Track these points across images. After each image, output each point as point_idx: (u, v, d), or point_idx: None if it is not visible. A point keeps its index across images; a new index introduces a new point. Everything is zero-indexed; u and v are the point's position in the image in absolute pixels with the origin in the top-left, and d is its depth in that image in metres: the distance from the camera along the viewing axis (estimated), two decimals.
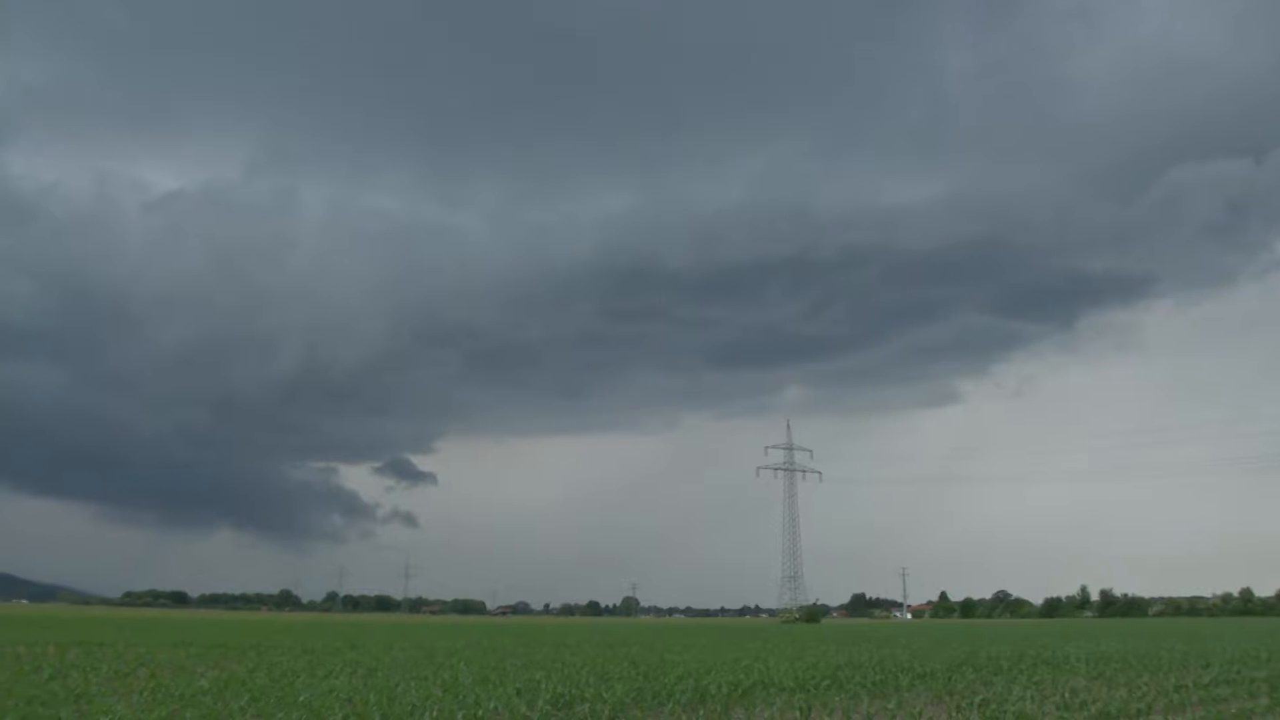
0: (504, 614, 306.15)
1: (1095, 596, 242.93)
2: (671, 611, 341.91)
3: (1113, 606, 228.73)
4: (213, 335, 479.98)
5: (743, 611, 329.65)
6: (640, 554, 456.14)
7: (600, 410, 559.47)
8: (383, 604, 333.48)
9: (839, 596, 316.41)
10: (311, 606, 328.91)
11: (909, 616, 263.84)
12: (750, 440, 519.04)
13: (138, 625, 68.08)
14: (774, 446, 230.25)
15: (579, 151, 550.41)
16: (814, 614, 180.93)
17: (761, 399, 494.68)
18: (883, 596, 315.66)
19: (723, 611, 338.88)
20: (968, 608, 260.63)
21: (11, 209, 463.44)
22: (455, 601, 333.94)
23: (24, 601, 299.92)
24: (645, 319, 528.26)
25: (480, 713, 16.35)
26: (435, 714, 15.95)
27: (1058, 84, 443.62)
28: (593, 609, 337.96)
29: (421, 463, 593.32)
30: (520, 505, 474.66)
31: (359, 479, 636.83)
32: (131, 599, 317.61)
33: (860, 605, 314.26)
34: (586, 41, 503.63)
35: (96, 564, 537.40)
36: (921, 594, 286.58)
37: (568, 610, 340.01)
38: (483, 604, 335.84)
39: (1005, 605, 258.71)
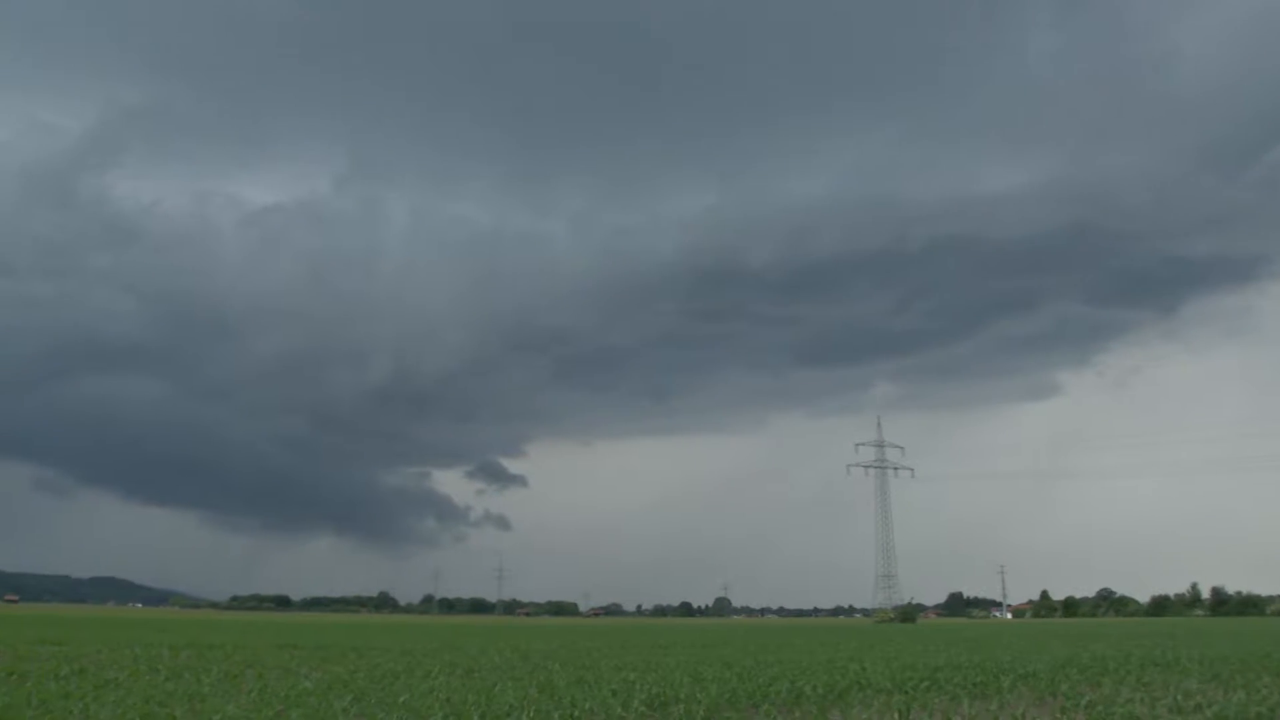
0: (596, 615, 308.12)
1: (1206, 594, 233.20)
2: (764, 612, 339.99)
3: (1226, 605, 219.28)
4: (307, 345, 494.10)
5: (836, 611, 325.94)
6: (732, 554, 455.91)
7: (687, 411, 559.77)
8: (477, 606, 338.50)
9: (935, 596, 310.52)
10: (409, 609, 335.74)
11: (1008, 616, 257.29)
12: (840, 438, 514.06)
13: (244, 628, 70.30)
14: (864, 444, 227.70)
15: (661, 151, 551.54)
16: (909, 613, 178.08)
17: (850, 396, 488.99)
18: (981, 595, 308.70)
19: (816, 611, 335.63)
20: (1070, 606, 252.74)
21: (116, 229, 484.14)
22: (548, 603, 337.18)
23: (139, 605, 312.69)
24: (730, 318, 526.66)
25: (576, 713, 16.46)
26: (532, 714, 16.11)
27: (1151, 59, 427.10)
28: (685, 610, 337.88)
29: (512, 466, 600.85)
30: (610, 507, 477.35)
31: (451, 483, 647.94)
32: (238, 603, 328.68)
33: (957, 604, 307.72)
34: (666, 39, 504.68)
35: (205, 569, 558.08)
36: (1021, 592, 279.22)
37: (660, 611, 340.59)
38: (575, 605, 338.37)
39: (1110, 604, 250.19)
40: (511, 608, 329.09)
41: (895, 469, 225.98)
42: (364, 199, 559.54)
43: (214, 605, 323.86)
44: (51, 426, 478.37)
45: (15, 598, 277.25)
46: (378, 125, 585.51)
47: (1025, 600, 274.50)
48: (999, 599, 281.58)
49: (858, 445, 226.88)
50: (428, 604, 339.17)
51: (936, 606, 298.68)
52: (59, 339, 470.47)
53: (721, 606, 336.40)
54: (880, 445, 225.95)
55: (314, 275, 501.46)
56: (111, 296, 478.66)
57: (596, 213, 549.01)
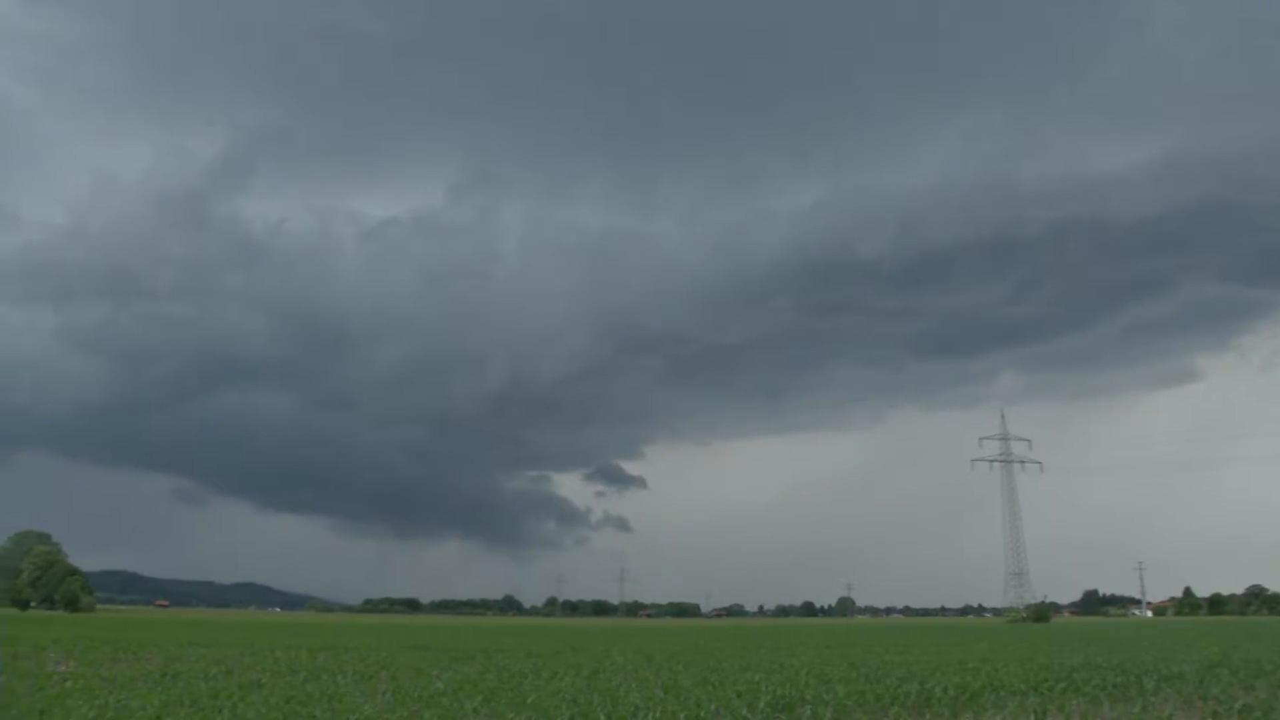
0: (719, 616, 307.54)
1: None
2: (889, 611, 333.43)
3: None
4: (426, 353, 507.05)
5: (965, 611, 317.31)
6: (854, 553, 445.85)
7: (803, 408, 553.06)
8: (600, 608, 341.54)
9: (1069, 594, 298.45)
10: (533, 611, 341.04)
11: (1149, 614, 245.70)
12: (962, 432, 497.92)
13: (376, 630, 72.55)
14: (988, 437, 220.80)
15: (767, 146, 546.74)
16: (1042, 612, 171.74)
17: (971, 388, 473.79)
18: (1118, 593, 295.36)
19: (943, 611, 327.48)
20: (1216, 604, 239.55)
21: (245, 249, 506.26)
22: (670, 604, 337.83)
23: (278, 610, 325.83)
24: (843, 312, 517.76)
25: (701, 714, 16.44)
26: (658, 715, 16.16)
27: None
28: (807, 610, 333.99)
29: (630, 468, 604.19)
30: (730, 507, 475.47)
31: (571, 486, 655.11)
32: (370, 606, 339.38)
33: (1093, 603, 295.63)
34: (766, 33, 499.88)
35: (338, 574, 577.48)
36: (1162, 589, 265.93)
37: (782, 611, 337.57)
38: (697, 606, 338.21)
39: (1262, 601, 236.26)
40: (634, 609, 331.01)
41: (1022, 463, 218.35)
42: (478, 207, 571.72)
43: (347, 609, 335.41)
44: (191, 440, 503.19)
45: (165, 603, 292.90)
46: (489, 134, 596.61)
47: (1166, 598, 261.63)
48: (1137, 597, 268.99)
49: (981, 439, 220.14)
50: (551, 606, 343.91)
51: (1071, 605, 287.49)
52: (196, 357, 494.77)
53: (845, 606, 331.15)
54: (1005, 439, 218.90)
55: (431, 285, 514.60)
56: (243, 314, 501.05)
57: (706, 211, 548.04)
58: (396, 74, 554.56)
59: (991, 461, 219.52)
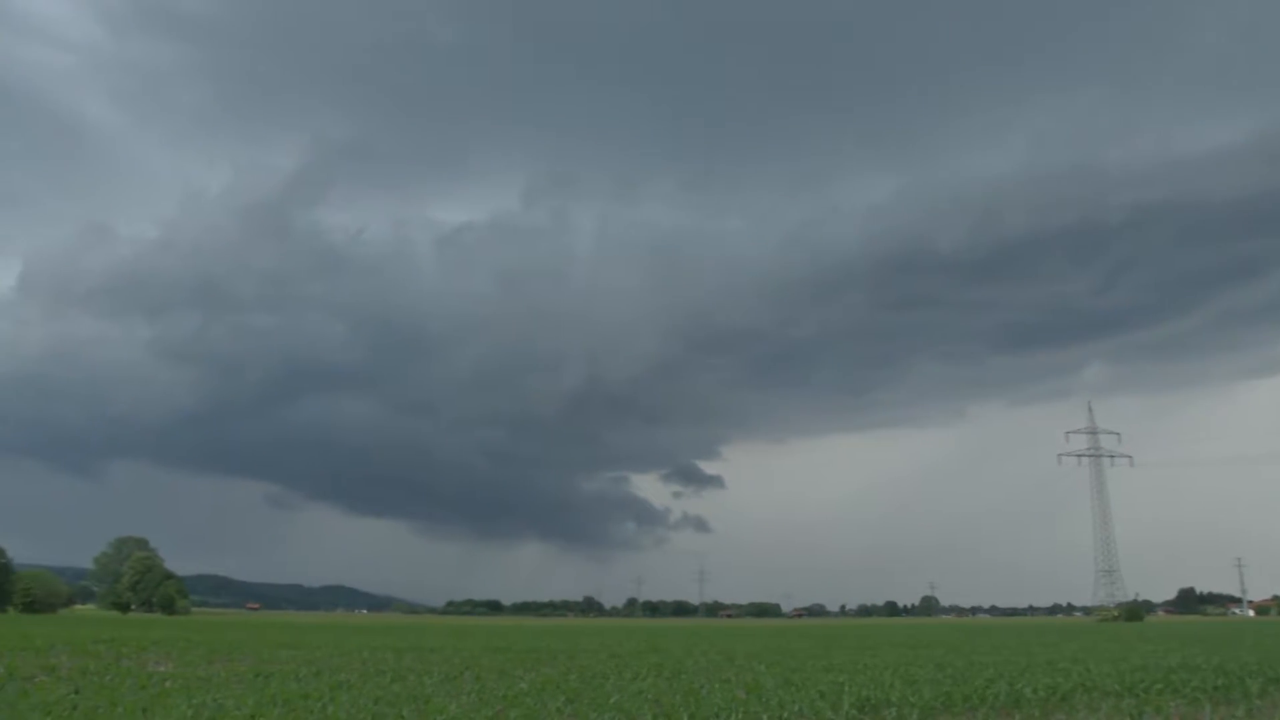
0: (799, 616, 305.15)
1: None
2: (974, 611, 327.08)
3: None
4: (503, 356, 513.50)
5: (1053, 610, 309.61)
6: (938, 551, 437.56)
7: (882, 405, 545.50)
8: (680, 609, 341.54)
9: (1163, 592, 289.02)
10: (614, 612, 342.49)
11: (1250, 613, 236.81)
12: (1048, 426, 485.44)
13: (460, 632, 73.57)
14: (1075, 431, 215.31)
15: (839, 139, 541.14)
16: (1135, 611, 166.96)
17: (1057, 381, 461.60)
18: (1216, 591, 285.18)
19: (1031, 610, 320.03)
20: None
21: (326, 258, 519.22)
22: (750, 605, 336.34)
23: (364, 611, 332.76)
24: (922, 306, 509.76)
25: (785, 715, 16.33)
26: (741, 716, 16.10)
27: None
28: (890, 609, 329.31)
29: (707, 467, 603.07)
30: (809, 505, 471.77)
31: (648, 487, 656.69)
32: (453, 608, 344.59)
33: (1189, 601, 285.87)
34: (836, 23, 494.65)
35: (421, 577, 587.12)
36: (1264, 588, 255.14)
37: (864, 611, 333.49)
38: (777, 606, 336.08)
39: None
40: (714, 610, 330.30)
41: (1111, 457, 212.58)
42: (551, 210, 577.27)
43: (431, 610, 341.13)
44: (278, 446, 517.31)
45: (257, 605, 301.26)
46: (561, 137, 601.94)
47: (1269, 596, 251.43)
48: (1237, 594, 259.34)
49: (1068, 433, 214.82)
50: (631, 607, 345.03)
51: (1166, 604, 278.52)
52: (280, 365, 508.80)
53: (928, 605, 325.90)
54: (1093, 432, 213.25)
55: (507, 288, 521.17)
56: (324, 322, 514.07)
57: (778, 206, 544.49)
58: (470, 81, 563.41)
59: (1079, 456, 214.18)
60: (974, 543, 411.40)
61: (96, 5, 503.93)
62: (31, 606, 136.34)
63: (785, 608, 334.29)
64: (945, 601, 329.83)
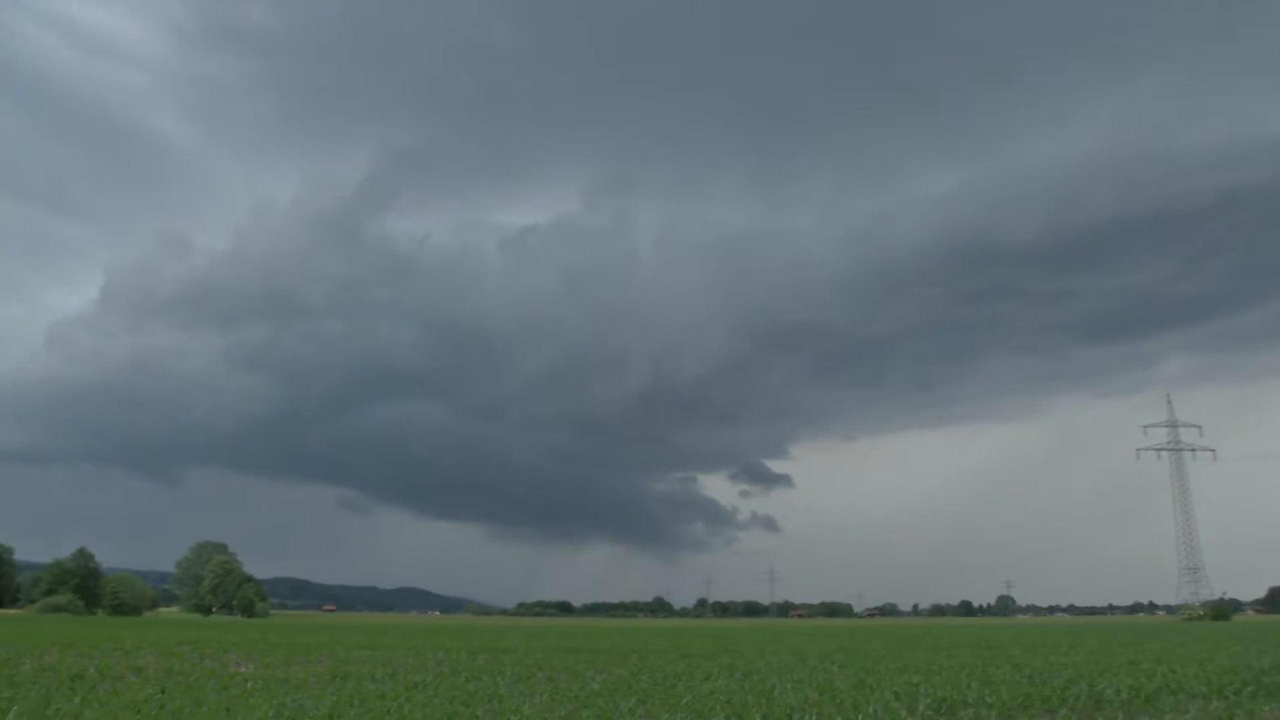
0: (871, 616, 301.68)
1: None
2: (1052, 610, 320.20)
3: None
4: (569, 358, 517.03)
5: (1134, 609, 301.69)
6: (1014, 549, 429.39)
7: (955, 400, 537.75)
8: (750, 609, 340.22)
9: (1253, 590, 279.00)
10: (683, 613, 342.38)
11: None
12: (1127, 420, 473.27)
13: (531, 633, 74.12)
14: (1154, 425, 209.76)
15: (907, 130, 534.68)
16: (1222, 610, 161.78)
17: (1135, 373, 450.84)
18: None
19: (1111, 609, 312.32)
20: None
21: (394, 265, 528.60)
22: (821, 604, 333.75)
23: (436, 613, 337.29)
24: (996, 298, 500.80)
25: (859, 717, 16.15)
26: (814, 717, 15.96)
27: None
28: (965, 609, 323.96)
29: (776, 466, 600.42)
30: (881, 503, 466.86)
31: (716, 486, 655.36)
32: (524, 609, 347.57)
33: None
34: (901, 12, 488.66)
35: (493, 578, 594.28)
36: None
37: (938, 611, 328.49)
38: (849, 606, 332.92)
39: None
40: (784, 610, 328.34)
41: (1192, 451, 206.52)
42: (614, 210, 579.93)
43: (502, 612, 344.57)
44: (350, 451, 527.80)
45: (333, 607, 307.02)
46: (623, 137, 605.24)
47: None
48: None
49: (1146, 427, 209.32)
50: (702, 607, 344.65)
51: (1255, 603, 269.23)
52: (352, 371, 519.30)
53: (1005, 605, 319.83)
54: (1173, 425, 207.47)
55: (571, 289, 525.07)
56: (393, 328, 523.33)
57: (845, 201, 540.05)
58: (532, 84, 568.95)
59: (1159, 450, 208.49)
60: (1051, 540, 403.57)
61: (166, 23, 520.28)
62: (119, 609, 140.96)
63: (857, 608, 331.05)
64: (1022, 601, 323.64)
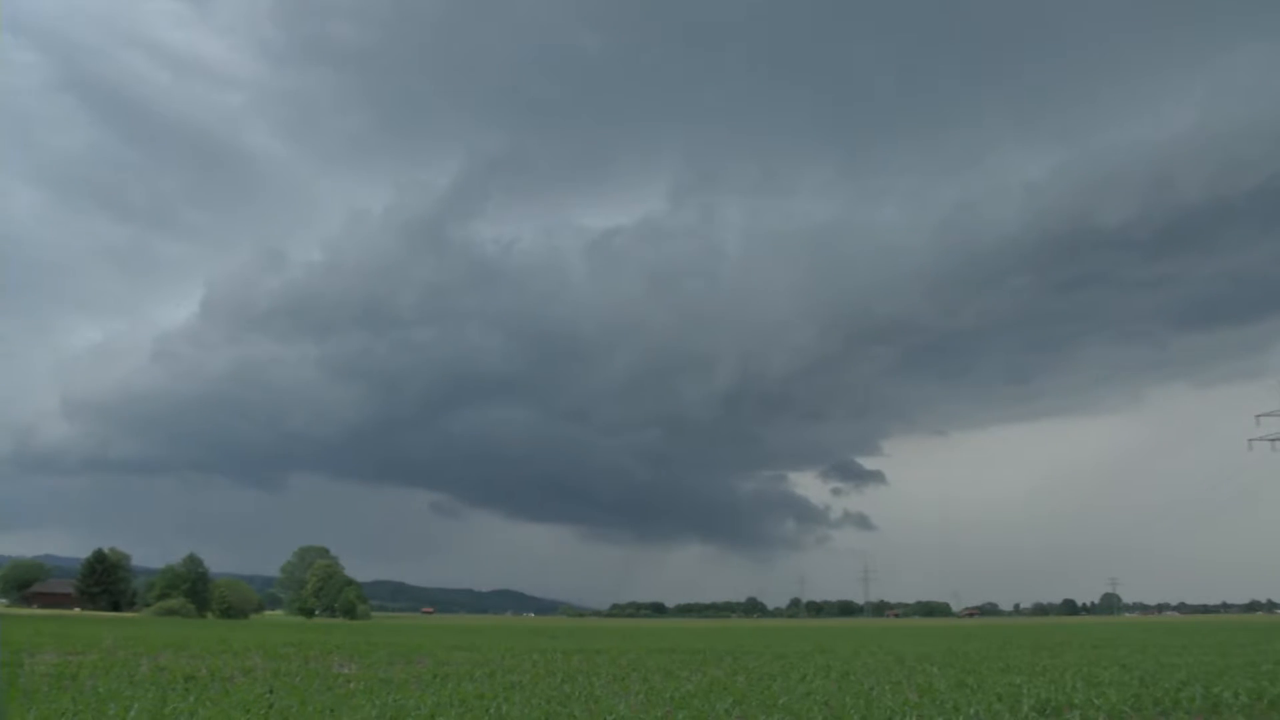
0: (970, 615, 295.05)
1: None
2: (1161, 608, 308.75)
3: None
4: (655, 358, 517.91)
5: (1251, 607, 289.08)
6: (1119, 545, 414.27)
7: (1051, 393, 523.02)
8: (845, 608, 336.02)
9: None
10: (777, 613, 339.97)
11: None
12: (1236, 408, 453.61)
13: (625, 634, 74.42)
14: (1267, 414, 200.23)
15: (994, 116, 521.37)
16: None
17: (1245, 360, 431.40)
18: None
19: (1225, 607, 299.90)
20: None
21: (482, 270, 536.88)
22: (918, 604, 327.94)
23: (532, 615, 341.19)
24: (1090, 286, 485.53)
25: (960, 719, 15.81)
26: (914, 719, 15.68)
27: None
28: (1068, 608, 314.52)
29: (867, 463, 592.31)
30: (977, 500, 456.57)
31: (807, 484, 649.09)
32: (617, 610, 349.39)
33: None
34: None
35: (585, 580, 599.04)
36: None
37: (1040, 610, 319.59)
38: (947, 606, 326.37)
39: None
40: (880, 609, 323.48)
41: None
42: (699, 208, 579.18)
43: (596, 613, 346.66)
44: (442, 456, 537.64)
45: (431, 609, 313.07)
46: (706, 135, 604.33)
47: None
48: None
49: (1259, 416, 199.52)
50: (795, 607, 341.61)
51: None
52: (442, 377, 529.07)
53: (1110, 604, 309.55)
54: None
55: (657, 289, 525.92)
56: (481, 333, 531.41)
57: (932, 191, 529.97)
58: (614, 86, 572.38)
59: (1273, 441, 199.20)
60: (1158, 535, 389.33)
61: (257, 42, 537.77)
62: (227, 612, 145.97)
63: (955, 607, 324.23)
64: (1128, 599, 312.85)
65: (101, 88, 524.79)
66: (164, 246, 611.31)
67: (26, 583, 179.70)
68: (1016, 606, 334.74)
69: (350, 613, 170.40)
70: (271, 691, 18.59)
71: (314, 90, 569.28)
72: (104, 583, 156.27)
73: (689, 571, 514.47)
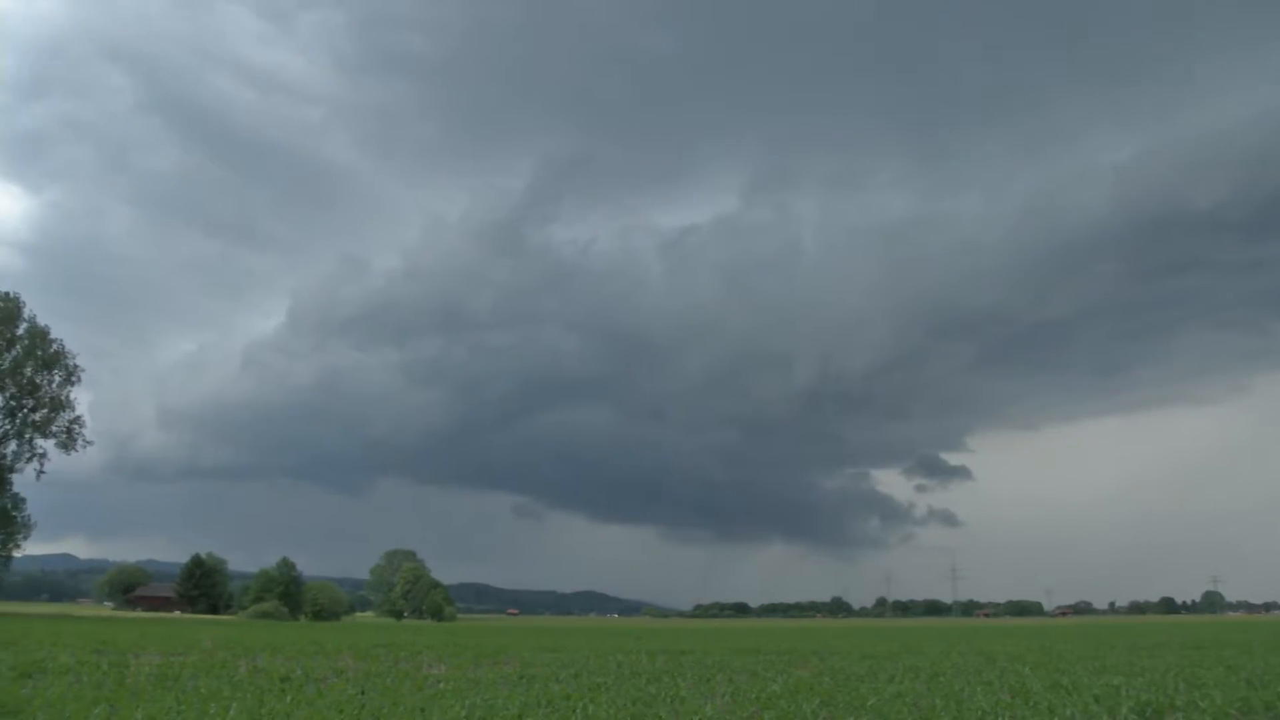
0: (1064, 614, 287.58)
1: None
2: (1268, 607, 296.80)
3: None
4: (732, 356, 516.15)
5: None
6: (1221, 541, 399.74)
7: (1146, 383, 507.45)
8: (932, 608, 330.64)
9: None
10: (862, 612, 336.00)
11: None
12: None
13: (708, 634, 74.22)
14: None
15: (1075, 99, 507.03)
16: None
17: None
18: None
19: None
20: None
21: (558, 273, 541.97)
22: (1008, 603, 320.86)
23: (615, 616, 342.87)
24: (1185, 271, 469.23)
25: None
26: None
27: None
28: (1167, 606, 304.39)
29: (952, 458, 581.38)
30: (1068, 495, 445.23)
31: (890, 482, 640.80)
32: (701, 611, 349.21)
33: None
34: None
35: (668, 581, 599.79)
36: None
37: (1137, 608, 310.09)
38: (1039, 604, 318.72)
39: None
40: (969, 609, 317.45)
41: None
42: (774, 204, 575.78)
43: (680, 614, 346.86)
44: (522, 458, 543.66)
45: (516, 611, 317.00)
46: (779, 131, 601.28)
47: None
48: None
49: None
50: (881, 607, 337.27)
51: None
52: (520, 380, 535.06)
53: (1212, 602, 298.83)
54: None
55: (733, 287, 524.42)
56: (558, 335, 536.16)
57: (1012, 178, 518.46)
58: (685, 84, 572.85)
59: None
60: (1264, 530, 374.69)
61: (334, 57, 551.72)
62: (319, 614, 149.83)
63: (1047, 605, 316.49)
64: (1231, 597, 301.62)
65: (188, 108, 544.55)
66: (251, 258, 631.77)
67: (130, 586, 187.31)
68: (1112, 605, 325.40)
69: (437, 614, 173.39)
70: (363, 692, 18.98)
71: (390, 101, 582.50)
72: (202, 586, 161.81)
73: (772, 571, 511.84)
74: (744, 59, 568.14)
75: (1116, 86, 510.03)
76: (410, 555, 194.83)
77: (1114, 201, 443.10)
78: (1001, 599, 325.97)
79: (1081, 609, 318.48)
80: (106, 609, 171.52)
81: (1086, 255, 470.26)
